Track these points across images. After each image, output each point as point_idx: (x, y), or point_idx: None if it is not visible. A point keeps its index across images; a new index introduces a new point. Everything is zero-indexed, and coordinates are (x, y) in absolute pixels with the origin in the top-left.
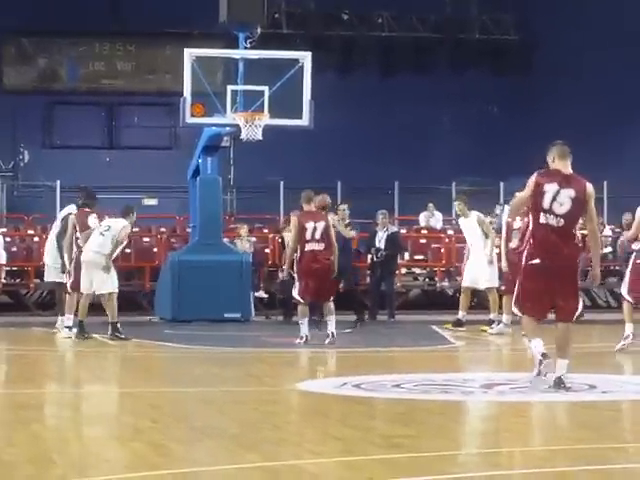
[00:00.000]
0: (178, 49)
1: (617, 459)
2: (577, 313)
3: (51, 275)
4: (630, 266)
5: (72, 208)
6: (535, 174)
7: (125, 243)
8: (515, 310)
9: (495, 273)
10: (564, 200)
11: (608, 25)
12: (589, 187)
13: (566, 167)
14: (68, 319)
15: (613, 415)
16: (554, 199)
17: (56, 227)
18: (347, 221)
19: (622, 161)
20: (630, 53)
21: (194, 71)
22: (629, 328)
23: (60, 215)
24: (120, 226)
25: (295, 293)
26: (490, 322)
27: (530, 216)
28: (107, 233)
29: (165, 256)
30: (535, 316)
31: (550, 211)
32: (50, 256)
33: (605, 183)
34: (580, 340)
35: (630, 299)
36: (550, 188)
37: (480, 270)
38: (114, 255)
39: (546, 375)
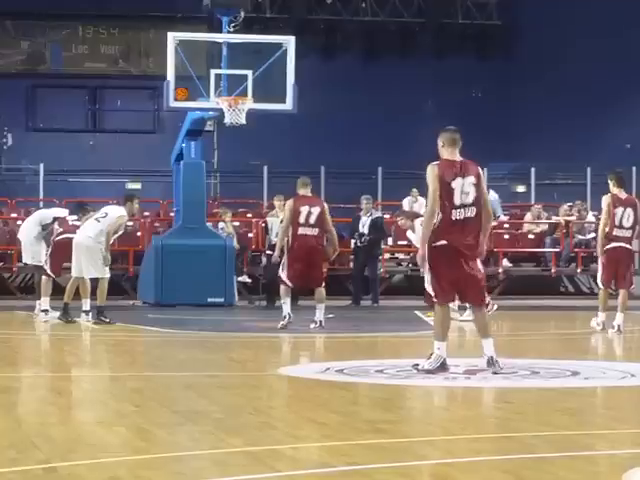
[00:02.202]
0: (162, 33)
1: (599, 446)
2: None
3: (28, 257)
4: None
5: (63, 212)
6: (434, 167)
7: (121, 232)
8: (434, 299)
9: None
10: (469, 189)
11: (592, 11)
12: (479, 169)
13: (454, 154)
14: (44, 302)
15: (595, 401)
16: (462, 192)
17: (43, 220)
18: None
19: (605, 147)
20: (613, 39)
21: (177, 55)
22: (601, 316)
23: (51, 212)
24: (116, 214)
25: (284, 276)
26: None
27: (439, 208)
28: (103, 220)
29: (149, 240)
30: (445, 301)
31: (461, 205)
32: (27, 238)
33: (588, 169)
34: (563, 326)
35: (600, 285)
36: (456, 184)
37: None
38: (110, 242)
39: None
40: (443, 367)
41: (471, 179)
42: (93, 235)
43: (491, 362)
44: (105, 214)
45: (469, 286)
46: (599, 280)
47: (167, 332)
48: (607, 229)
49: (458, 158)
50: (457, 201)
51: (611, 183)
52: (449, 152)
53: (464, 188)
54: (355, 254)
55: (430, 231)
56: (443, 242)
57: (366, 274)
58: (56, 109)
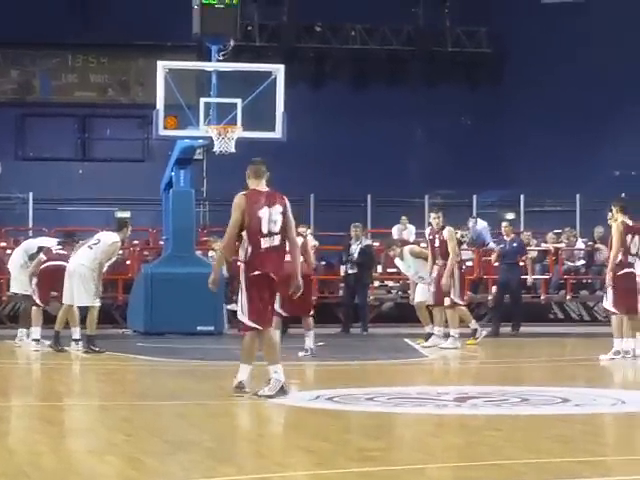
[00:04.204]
0: (151, 61)
1: (588, 473)
2: None
3: (17, 286)
4: (611, 280)
5: (52, 243)
6: (242, 197)
7: (114, 259)
8: (250, 324)
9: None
10: (276, 217)
11: (581, 39)
12: (286, 200)
13: (261, 185)
14: (35, 332)
15: (585, 429)
16: (269, 221)
17: (29, 249)
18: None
19: (594, 174)
20: (603, 67)
21: (167, 83)
22: (618, 343)
23: (36, 242)
24: (109, 241)
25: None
26: (474, 333)
27: (246, 237)
28: (95, 247)
29: (138, 268)
30: (268, 324)
31: (269, 234)
32: (15, 268)
33: (577, 196)
34: (553, 353)
35: (617, 311)
36: (263, 213)
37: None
38: (103, 270)
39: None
40: (283, 391)
41: (278, 208)
42: (86, 262)
43: (284, 389)
44: (98, 240)
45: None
46: (610, 307)
47: (157, 361)
48: (620, 256)
49: (264, 189)
50: (264, 229)
51: (615, 209)
52: (255, 183)
53: (272, 217)
54: (345, 282)
55: (225, 256)
56: (257, 272)
57: (356, 302)
58: (45, 138)
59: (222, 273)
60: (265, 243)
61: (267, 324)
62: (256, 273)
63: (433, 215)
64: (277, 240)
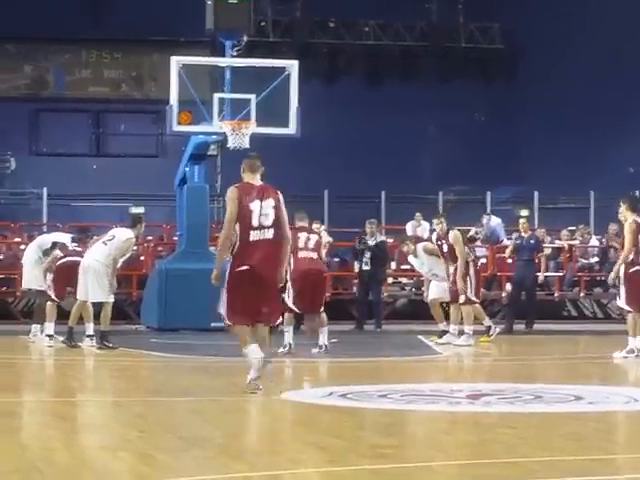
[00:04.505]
0: (165, 57)
1: (601, 471)
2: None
3: (30, 281)
4: (623, 278)
5: (65, 238)
6: (234, 189)
7: (128, 255)
8: (227, 322)
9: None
10: (268, 211)
11: (594, 34)
12: (279, 195)
13: (255, 179)
14: (49, 327)
15: (598, 426)
16: (260, 214)
17: (43, 245)
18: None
19: (608, 171)
20: (616, 62)
21: (181, 79)
22: (632, 342)
23: (50, 237)
24: (124, 237)
25: (290, 302)
26: (487, 330)
27: (238, 230)
28: (110, 243)
29: (152, 264)
30: (239, 324)
31: (259, 227)
32: (29, 263)
33: (591, 193)
34: (567, 351)
35: (630, 309)
36: (254, 206)
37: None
38: (117, 266)
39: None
40: (266, 360)
41: (270, 202)
42: (101, 258)
43: (265, 359)
44: (112, 236)
45: (266, 308)
46: (624, 305)
47: (171, 357)
48: (632, 255)
49: (258, 183)
50: (255, 222)
51: (624, 207)
52: (250, 177)
53: (263, 210)
54: (359, 278)
55: (225, 250)
56: (245, 267)
57: (370, 298)
58: (59, 133)
59: None
60: (254, 236)
61: (240, 321)
62: (240, 269)
63: (436, 221)
64: (269, 234)
